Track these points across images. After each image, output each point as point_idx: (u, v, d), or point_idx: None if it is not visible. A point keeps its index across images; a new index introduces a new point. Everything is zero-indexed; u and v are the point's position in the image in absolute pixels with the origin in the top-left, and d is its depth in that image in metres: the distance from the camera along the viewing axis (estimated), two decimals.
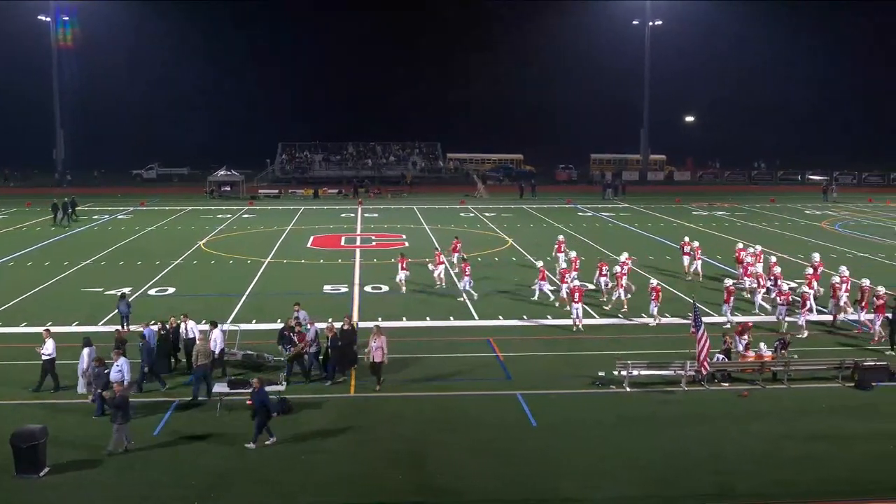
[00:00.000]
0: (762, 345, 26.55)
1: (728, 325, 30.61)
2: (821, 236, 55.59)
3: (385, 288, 38.63)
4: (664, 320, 32.47)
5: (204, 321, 27.47)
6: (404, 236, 54.98)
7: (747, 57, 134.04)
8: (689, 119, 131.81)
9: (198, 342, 24.78)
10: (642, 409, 23.40)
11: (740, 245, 40.97)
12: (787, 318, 30.87)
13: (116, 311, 31.29)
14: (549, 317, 33.09)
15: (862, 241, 53.69)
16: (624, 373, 25.19)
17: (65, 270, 42.76)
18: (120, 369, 22.60)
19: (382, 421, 22.44)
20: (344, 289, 38.59)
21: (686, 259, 41.14)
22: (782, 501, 18.18)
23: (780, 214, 68.70)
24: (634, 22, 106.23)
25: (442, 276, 38.76)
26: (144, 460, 19.86)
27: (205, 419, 22.44)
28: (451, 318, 33.20)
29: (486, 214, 68.46)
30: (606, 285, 36.06)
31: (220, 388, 23.39)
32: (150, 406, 23.23)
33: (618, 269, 35.18)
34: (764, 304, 34.78)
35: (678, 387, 25.01)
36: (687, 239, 42.75)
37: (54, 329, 27.03)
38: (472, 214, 68.41)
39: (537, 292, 35.74)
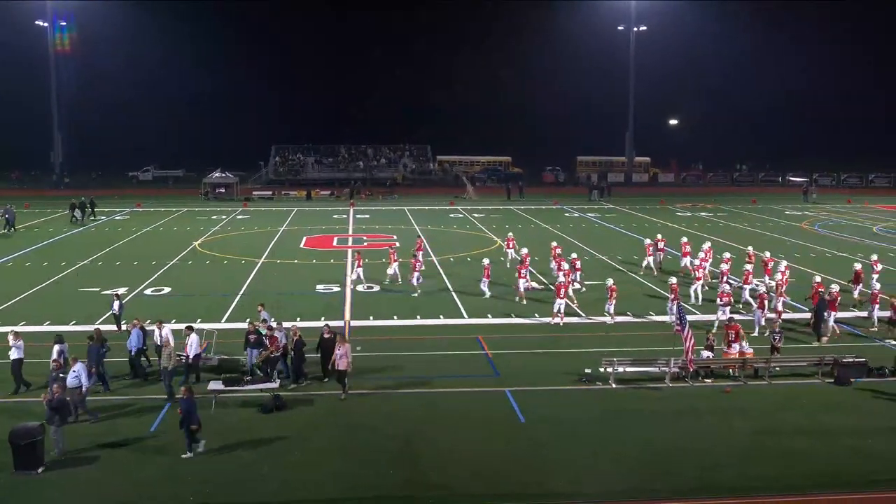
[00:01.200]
0: (745, 343, 26.63)
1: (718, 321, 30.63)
2: (801, 236, 55.80)
3: (377, 287, 38.60)
4: (650, 318, 32.58)
5: (197, 322, 27.37)
6: (395, 237, 54.92)
7: (730, 61, 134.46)
8: (673, 122, 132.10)
9: (164, 346, 24.47)
10: (628, 405, 23.43)
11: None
12: (721, 317, 30.54)
13: (110, 311, 31.08)
14: (536, 315, 33.11)
15: (841, 241, 53.91)
16: (610, 369, 25.24)
17: (62, 271, 42.59)
18: (77, 375, 22.13)
19: (373, 418, 22.40)
20: (336, 288, 38.53)
21: (650, 258, 42.15)
22: (764, 496, 18.24)
23: (762, 215, 68.94)
24: (620, 27, 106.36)
25: (397, 273, 39.32)
26: (140, 457, 19.78)
27: (200, 417, 22.34)
28: (441, 316, 33.19)
29: (475, 215, 68.48)
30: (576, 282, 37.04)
31: (214, 385, 23.29)
32: (146, 404, 23.14)
33: (566, 265, 36.28)
34: (700, 294, 35.59)
35: (663, 383, 25.08)
36: (660, 236, 44.03)
37: (54, 328, 26.98)
38: (461, 215, 68.42)
39: (487, 292, 36.49)
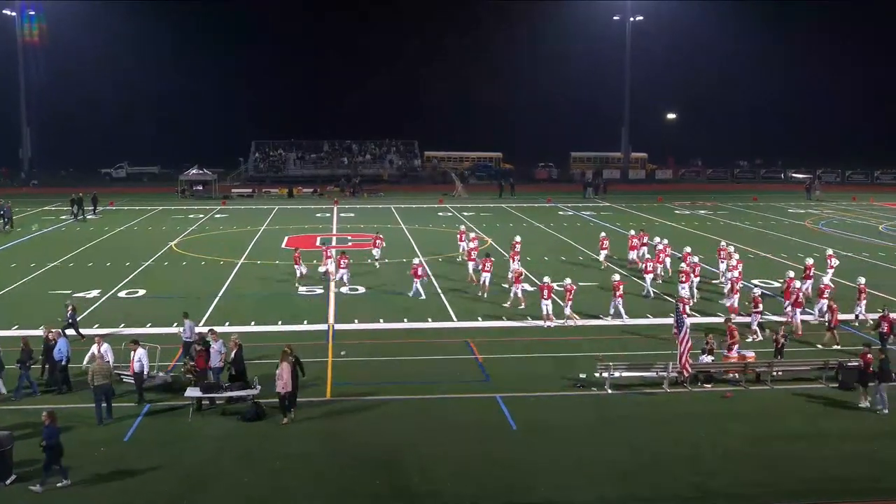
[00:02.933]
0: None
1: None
2: (806, 235, 55.99)
3: (361, 289, 38.61)
4: (649, 321, 32.72)
5: (174, 326, 27.22)
6: (381, 236, 54.82)
7: (730, 52, 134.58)
8: (671, 117, 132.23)
9: (95, 362, 23.28)
10: (623, 411, 23.53)
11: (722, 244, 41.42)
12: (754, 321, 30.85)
13: (67, 320, 29.87)
14: (528, 318, 33.15)
15: (847, 240, 54.10)
16: (605, 374, 25.29)
17: (32, 272, 42.48)
18: None
19: (358, 424, 22.44)
20: (319, 290, 38.50)
21: (632, 252, 43.86)
22: (762, 502, 18.36)
23: (764, 213, 69.11)
24: (615, 17, 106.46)
25: (332, 272, 39.46)
26: (115, 467, 19.74)
27: (177, 424, 22.37)
28: (430, 319, 33.22)
29: (465, 213, 68.50)
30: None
31: (192, 392, 23.23)
32: (120, 412, 23.08)
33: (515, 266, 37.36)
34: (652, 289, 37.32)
35: (661, 388, 25.16)
36: (642, 231, 46.64)
37: (21, 332, 26.87)
38: (450, 214, 68.42)
39: (418, 290, 36.99)
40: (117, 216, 66.56)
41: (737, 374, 26.17)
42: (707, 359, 26.23)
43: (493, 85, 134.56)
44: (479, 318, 33.25)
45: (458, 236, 46.77)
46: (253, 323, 32.58)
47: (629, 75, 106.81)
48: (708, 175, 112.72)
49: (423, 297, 36.76)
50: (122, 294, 37.85)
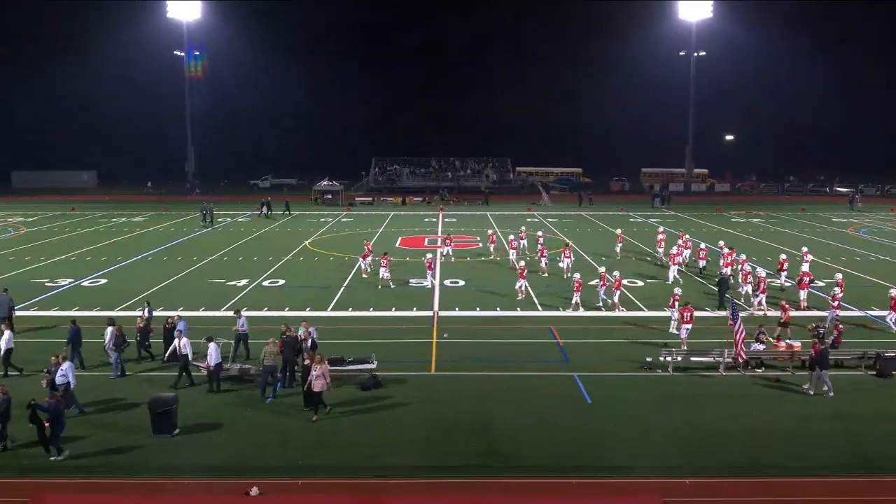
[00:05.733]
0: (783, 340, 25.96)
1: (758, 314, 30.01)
2: (847, 241, 53.92)
3: (461, 282, 38.73)
4: (706, 313, 32.01)
5: (307, 309, 27.63)
6: (478, 238, 54.98)
7: (781, 80, 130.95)
8: (729, 138, 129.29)
9: (268, 346, 22.79)
10: (684, 390, 23.09)
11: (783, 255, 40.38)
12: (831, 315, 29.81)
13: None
14: (601, 308, 32.75)
15: (884, 245, 51.92)
16: (668, 358, 24.89)
17: (194, 264, 43.84)
18: (64, 374, 20.91)
19: (457, 396, 22.54)
20: (426, 283, 38.75)
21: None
22: (807, 475, 17.79)
23: (810, 222, 66.77)
24: (681, 53, 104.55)
25: (368, 269, 39.72)
26: (254, 426, 20.27)
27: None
28: (518, 309, 33.11)
29: (550, 220, 68.04)
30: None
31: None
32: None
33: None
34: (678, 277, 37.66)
35: (717, 372, 24.60)
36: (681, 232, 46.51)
37: (184, 313, 27.73)
38: (537, 220, 68.02)
39: (431, 281, 37.56)
40: (263, 219, 68.13)
41: (785, 361, 25.44)
42: (759, 347, 25.55)
43: (575, 110, 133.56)
44: (560, 308, 33.00)
45: (563, 251, 42.19)
46: (371, 309, 32.99)
47: (693, 101, 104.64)
48: (761, 188, 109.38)
49: (430, 286, 37.11)
50: (265, 283, 38.76)
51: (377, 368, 23.86)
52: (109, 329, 24.66)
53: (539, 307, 33.43)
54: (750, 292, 33.57)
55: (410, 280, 39.28)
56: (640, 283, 38.21)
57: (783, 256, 37.74)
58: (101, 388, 22.99)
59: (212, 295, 35.59)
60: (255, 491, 16.67)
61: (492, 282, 38.51)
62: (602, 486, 17.36)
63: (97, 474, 17.71)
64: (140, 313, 28.38)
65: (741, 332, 24.34)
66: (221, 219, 66.70)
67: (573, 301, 32.56)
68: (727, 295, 29.22)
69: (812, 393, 22.84)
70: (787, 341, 26.12)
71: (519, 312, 32.50)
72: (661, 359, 25.09)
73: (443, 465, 18.25)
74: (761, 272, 34.96)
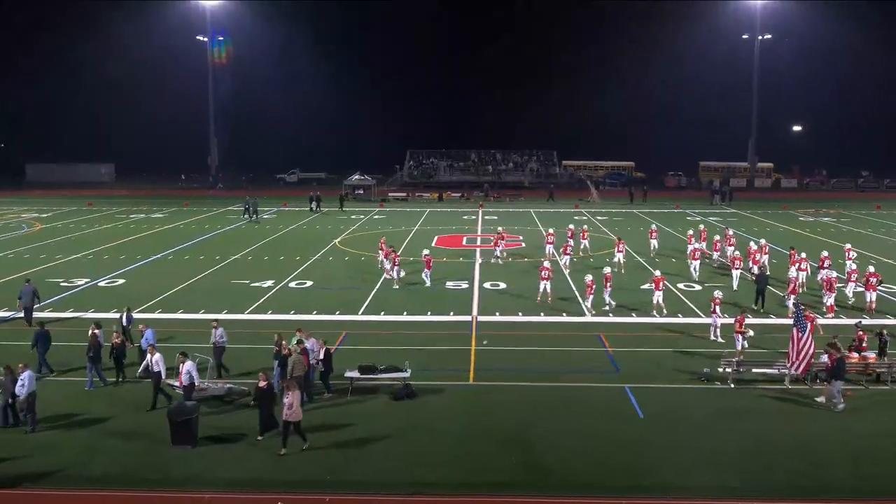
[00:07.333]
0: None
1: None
2: None
3: (503, 285, 38.73)
4: (773, 320, 31.66)
5: (336, 313, 27.67)
6: (521, 237, 54.92)
7: (855, 66, 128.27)
8: (797, 128, 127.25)
9: (293, 355, 22.76)
10: (745, 404, 22.83)
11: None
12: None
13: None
14: (655, 314, 32.55)
15: None
16: (729, 370, 24.64)
17: (216, 264, 44.37)
18: (23, 383, 20.82)
19: (498, 407, 22.54)
20: (465, 285, 38.83)
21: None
22: (878, 499, 17.50)
23: (887, 221, 65.65)
24: (745, 36, 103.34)
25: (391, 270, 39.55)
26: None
27: (335, 404, 23.01)
28: (564, 314, 33.02)
29: (599, 218, 67.77)
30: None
31: (351, 373, 23.79)
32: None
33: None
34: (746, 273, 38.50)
35: (782, 385, 24.30)
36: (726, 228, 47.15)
37: (206, 316, 28.00)
38: (585, 217, 67.75)
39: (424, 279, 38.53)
40: (289, 216, 68.74)
41: (857, 374, 25.04)
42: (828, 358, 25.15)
43: (628, 97, 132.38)
44: (610, 315, 32.84)
45: (617, 245, 43.28)
46: (405, 313, 33.11)
47: (757, 89, 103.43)
48: (832, 184, 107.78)
49: (428, 284, 37.85)
50: (292, 284, 39.08)
51: (411, 377, 23.89)
52: (148, 331, 24.95)
53: (586, 312, 33.27)
54: (833, 303, 32.98)
55: (448, 282, 39.37)
56: (697, 288, 37.91)
57: (825, 253, 38.19)
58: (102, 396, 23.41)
59: (235, 297, 35.97)
60: None
61: (536, 285, 38.38)
62: None
63: (114, 487, 18.01)
64: (118, 316, 28.39)
65: (809, 344, 23.86)
66: (245, 216, 67.30)
67: (585, 305, 33.01)
68: (795, 300, 28.71)
69: (836, 404, 22.50)
70: (863, 353, 25.67)
71: (565, 318, 32.41)
72: (721, 370, 24.87)
73: (482, 481, 18.25)
74: (831, 274, 34.44)
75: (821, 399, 23.00)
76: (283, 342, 24.01)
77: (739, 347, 26.93)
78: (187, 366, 22.07)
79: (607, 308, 33.26)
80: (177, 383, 22.47)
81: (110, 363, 24.62)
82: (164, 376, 22.61)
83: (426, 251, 40.67)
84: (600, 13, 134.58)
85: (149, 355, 22.92)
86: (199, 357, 23.95)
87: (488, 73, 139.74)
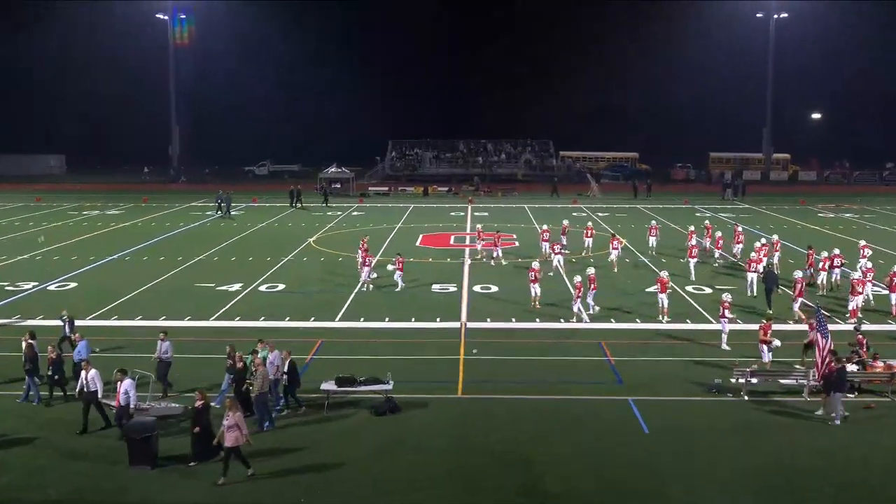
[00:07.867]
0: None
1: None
2: None
3: (494, 288, 38.75)
4: (788, 326, 31.78)
5: (311, 320, 27.57)
6: (515, 236, 54.97)
7: (881, 46, 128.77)
8: (816, 116, 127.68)
9: (259, 370, 22.45)
10: (760, 418, 22.91)
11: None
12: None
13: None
14: (662, 320, 32.63)
15: None
16: (742, 380, 24.69)
17: (178, 266, 44.21)
18: None
19: (489, 422, 22.53)
20: (453, 288, 38.84)
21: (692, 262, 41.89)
22: None
23: None
24: (759, 14, 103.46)
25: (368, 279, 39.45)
26: (254, 461, 20.26)
27: (310, 420, 22.94)
28: (562, 320, 33.03)
29: (599, 214, 67.89)
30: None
31: (327, 385, 23.68)
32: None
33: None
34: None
35: (800, 397, 24.38)
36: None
37: (167, 324, 27.87)
38: (584, 214, 67.79)
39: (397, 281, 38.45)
40: (259, 213, 68.57)
41: (882, 384, 25.15)
42: (851, 368, 25.24)
43: (630, 84, 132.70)
44: (612, 321, 32.91)
45: (612, 241, 44.23)
46: (388, 319, 33.08)
47: (772, 73, 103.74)
48: (855, 177, 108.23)
49: (399, 288, 38.00)
50: (262, 288, 38.98)
51: (394, 390, 23.83)
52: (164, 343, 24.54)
53: (586, 318, 33.30)
54: (858, 305, 33.07)
55: (434, 285, 39.38)
56: (707, 291, 38.04)
57: (836, 251, 38.86)
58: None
59: (200, 301, 35.85)
60: None
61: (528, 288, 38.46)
62: None
63: None
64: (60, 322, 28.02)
65: (825, 350, 23.94)
66: (210, 212, 67.10)
67: (574, 309, 32.94)
68: (816, 304, 28.80)
69: (834, 418, 22.60)
70: (889, 361, 25.77)
71: (563, 325, 32.43)
72: (733, 381, 24.93)
73: (473, 502, 18.27)
74: (855, 275, 34.65)
75: (819, 412, 23.06)
76: (238, 354, 23.38)
77: (766, 360, 26.67)
78: (126, 384, 21.27)
79: (591, 313, 33.33)
80: (113, 403, 21.72)
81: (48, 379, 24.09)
82: (100, 395, 22.01)
83: (398, 253, 40.78)
84: None
85: (83, 372, 22.24)
86: (138, 374, 23.39)
87: (478, 58, 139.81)
